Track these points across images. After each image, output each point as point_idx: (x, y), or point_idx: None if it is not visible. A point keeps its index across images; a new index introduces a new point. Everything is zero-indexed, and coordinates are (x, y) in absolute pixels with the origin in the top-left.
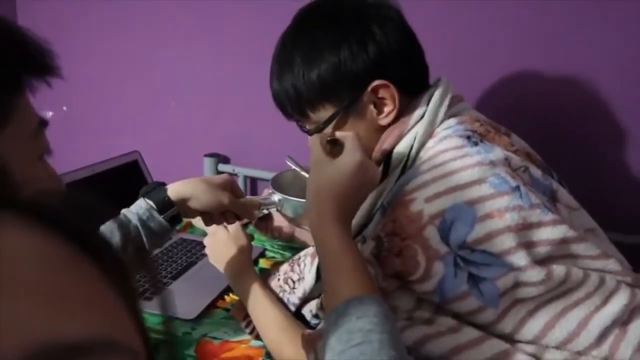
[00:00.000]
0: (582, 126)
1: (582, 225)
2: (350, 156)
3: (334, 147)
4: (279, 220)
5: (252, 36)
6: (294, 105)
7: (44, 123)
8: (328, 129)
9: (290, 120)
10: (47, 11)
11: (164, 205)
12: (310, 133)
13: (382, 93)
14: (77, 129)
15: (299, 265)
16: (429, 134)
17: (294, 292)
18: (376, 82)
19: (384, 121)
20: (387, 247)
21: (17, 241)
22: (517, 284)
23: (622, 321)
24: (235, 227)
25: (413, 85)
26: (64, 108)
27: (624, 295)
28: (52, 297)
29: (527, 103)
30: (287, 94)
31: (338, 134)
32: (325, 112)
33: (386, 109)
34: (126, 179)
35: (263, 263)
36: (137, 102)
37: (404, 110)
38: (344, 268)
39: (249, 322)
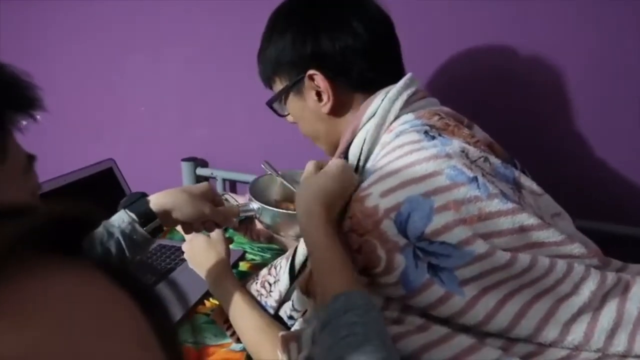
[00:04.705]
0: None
1: (548, 210)
2: (334, 162)
3: None
4: (259, 223)
5: (225, 39)
6: (261, 76)
7: (31, 158)
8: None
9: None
10: (15, 17)
11: (147, 217)
12: (268, 104)
13: (317, 82)
14: (47, 138)
15: (275, 269)
16: (381, 130)
17: (270, 296)
18: (310, 72)
19: (324, 109)
20: (347, 244)
21: (102, 291)
22: (481, 274)
23: (594, 307)
24: (217, 231)
25: (363, 82)
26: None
27: (592, 281)
28: (136, 339)
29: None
30: (259, 66)
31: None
32: (279, 86)
33: (324, 98)
34: (101, 188)
35: (243, 266)
36: (108, 109)
37: (359, 105)
38: (335, 266)
39: (230, 326)
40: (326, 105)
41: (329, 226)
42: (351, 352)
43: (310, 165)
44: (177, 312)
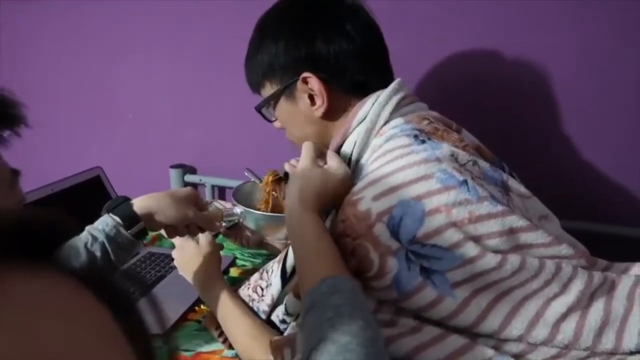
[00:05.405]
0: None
1: (536, 213)
2: (340, 167)
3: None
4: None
5: (213, 47)
6: (249, 81)
7: (16, 173)
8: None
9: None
10: (4, 22)
11: (131, 220)
12: (256, 109)
13: (312, 85)
14: (35, 145)
15: (267, 273)
16: (371, 134)
17: (262, 300)
18: (304, 74)
19: (317, 113)
20: (340, 248)
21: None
22: (472, 276)
23: (582, 307)
24: (206, 237)
25: (355, 86)
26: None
27: (580, 281)
28: (108, 344)
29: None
30: (246, 72)
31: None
32: (269, 90)
33: (318, 102)
34: (89, 196)
35: (234, 272)
36: (97, 116)
37: (352, 108)
38: (324, 253)
39: (222, 332)
40: (319, 108)
41: (320, 218)
42: (336, 332)
43: (309, 150)
44: (165, 323)
